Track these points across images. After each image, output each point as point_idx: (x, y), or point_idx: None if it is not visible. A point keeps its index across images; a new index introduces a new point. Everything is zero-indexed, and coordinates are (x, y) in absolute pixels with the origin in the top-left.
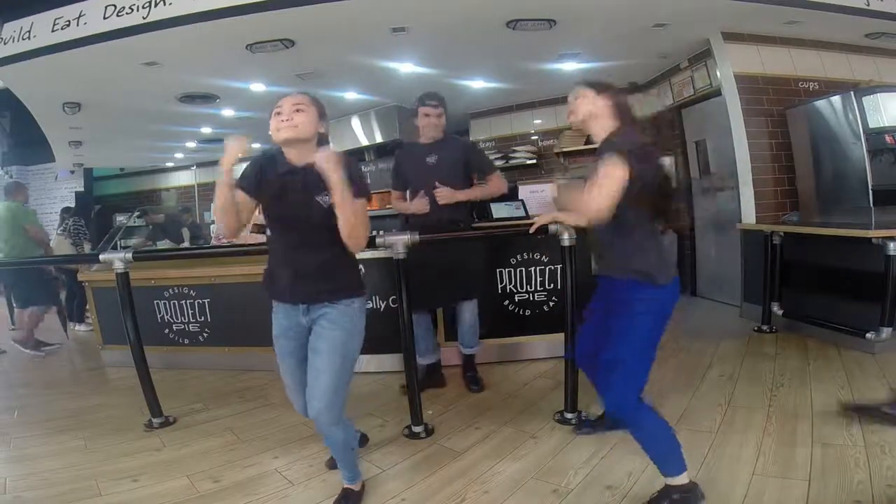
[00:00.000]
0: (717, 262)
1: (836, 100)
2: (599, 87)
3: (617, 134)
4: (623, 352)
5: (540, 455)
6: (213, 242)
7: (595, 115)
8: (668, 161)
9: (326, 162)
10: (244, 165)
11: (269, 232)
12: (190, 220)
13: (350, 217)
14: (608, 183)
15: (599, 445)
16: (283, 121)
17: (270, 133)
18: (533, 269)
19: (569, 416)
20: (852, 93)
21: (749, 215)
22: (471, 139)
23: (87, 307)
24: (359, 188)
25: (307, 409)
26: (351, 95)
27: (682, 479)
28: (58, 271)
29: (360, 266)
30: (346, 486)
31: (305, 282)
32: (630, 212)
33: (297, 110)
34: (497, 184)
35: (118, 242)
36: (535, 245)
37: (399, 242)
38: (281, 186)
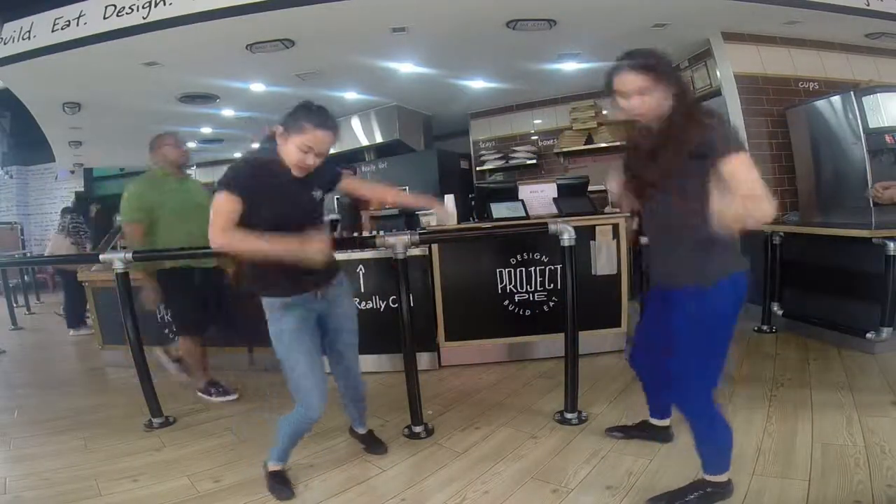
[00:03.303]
0: None
1: (836, 100)
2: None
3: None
4: (689, 360)
5: (540, 455)
6: None
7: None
8: None
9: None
10: (227, 169)
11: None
12: None
13: None
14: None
15: (599, 445)
16: (307, 166)
17: (284, 156)
18: (533, 269)
19: (569, 416)
20: (852, 93)
21: None
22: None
23: (87, 308)
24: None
25: (354, 387)
26: (351, 95)
27: (722, 478)
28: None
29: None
30: (365, 431)
31: (320, 271)
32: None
33: (320, 157)
34: None
35: (118, 242)
36: (535, 245)
37: (399, 242)
38: (285, 192)
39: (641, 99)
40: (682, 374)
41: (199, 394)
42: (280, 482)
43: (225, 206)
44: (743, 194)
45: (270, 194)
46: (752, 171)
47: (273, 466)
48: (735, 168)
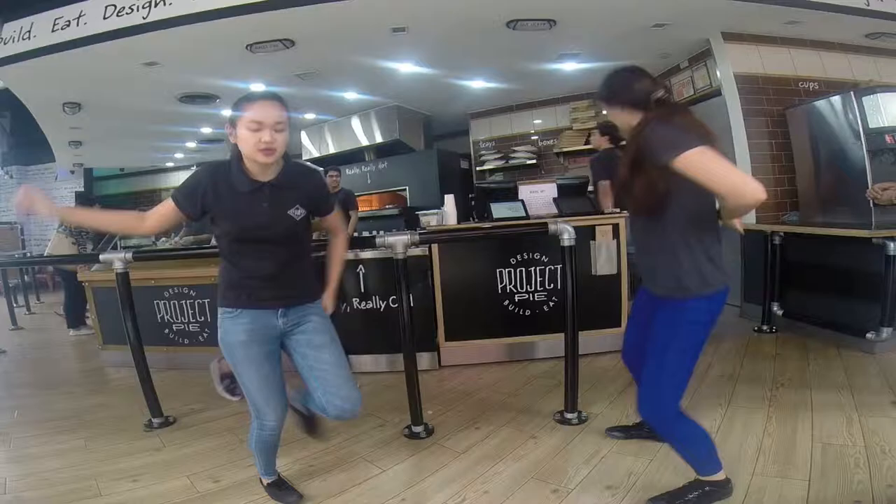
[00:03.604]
0: None
1: (836, 100)
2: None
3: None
4: (657, 371)
5: (540, 455)
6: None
7: None
8: None
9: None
10: (183, 179)
11: (222, 245)
12: None
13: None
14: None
15: (599, 445)
16: (265, 145)
17: (242, 148)
18: (533, 269)
19: (569, 416)
20: (852, 93)
21: (749, 215)
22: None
23: (87, 308)
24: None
25: (340, 406)
26: (351, 95)
27: (718, 476)
28: (56, 272)
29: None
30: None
31: (285, 288)
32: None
33: (279, 130)
34: None
35: (118, 242)
36: (535, 245)
37: (399, 242)
38: (248, 204)
39: (612, 116)
40: (649, 383)
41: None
42: (281, 490)
43: (161, 207)
44: (716, 190)
45: (227, 204)
46: (709, 163)
47: (266, 480)
48: (688, 167)
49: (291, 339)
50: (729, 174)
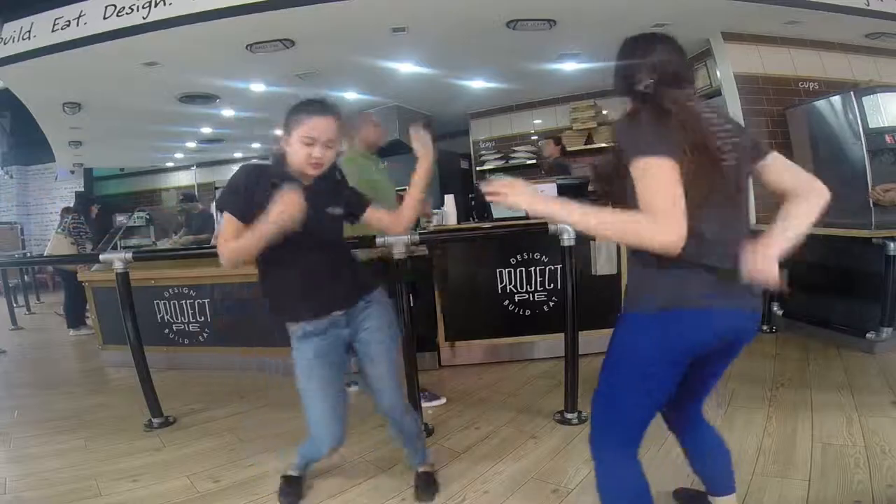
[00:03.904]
0: None
1: (836, 100)
2: None
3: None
4: (598, 390)
5: (540, 455)
6: None
7: None
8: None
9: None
10: (225, 189)
11: (271, 253)
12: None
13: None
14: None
15: None
16: (315, 159)
17: (293, 160)
18: (533, 269)
19: (569, 416)
20: (852, 93)
21: (749, 215)
22: None
23: (87, 308)
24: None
25: (385, 407)
26: (351, 95)
27: None
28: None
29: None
30: (421, 469)
31: (339, 288)
32: None
33: (329, 147)
34: None
35: (118, 242)
36: (535, 245)
37: (399, 242)
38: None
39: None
40: (594, 401)
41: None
42: (290, 489)
43: (227, 225)
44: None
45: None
46: (651, 180)
47: (290, 471)
48: (635, 175)
49: (357, 344)
50: (654, 199)
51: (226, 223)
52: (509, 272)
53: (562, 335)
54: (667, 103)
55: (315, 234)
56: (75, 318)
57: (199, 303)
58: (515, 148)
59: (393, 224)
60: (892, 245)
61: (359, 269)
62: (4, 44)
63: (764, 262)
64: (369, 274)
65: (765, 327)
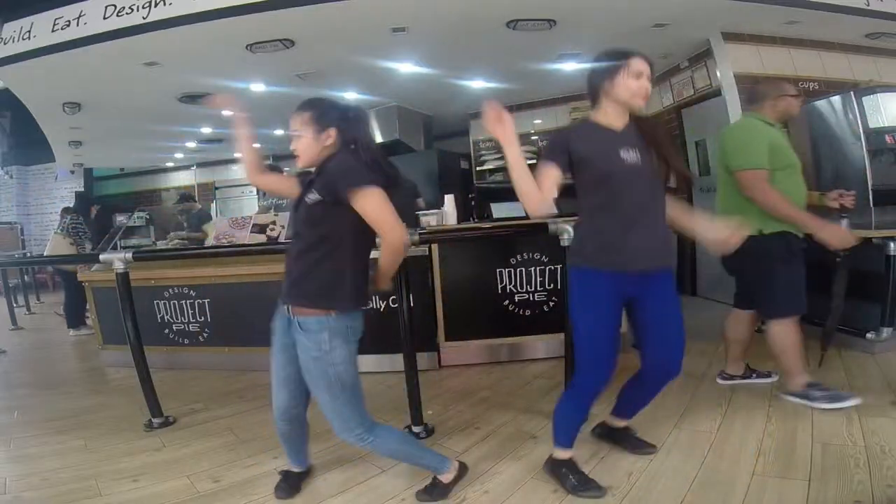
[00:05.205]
0: (717, 262)
1: (836, 100)
2: None
3: None
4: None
5: (540, 455)
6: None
7: None
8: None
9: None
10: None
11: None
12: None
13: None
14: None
15: (599, 446)
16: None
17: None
18: (533, 269)
19: None
20: (852, 93)
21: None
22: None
23: (87, 308)
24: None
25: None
26: (351, 95)
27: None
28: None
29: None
30: (438, 477)
31: (287, 278)
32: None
33: (293, 136)
34: None
35: (118, 242)
36: (534, 245)
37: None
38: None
39: None
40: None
41: (792, 398)
42: (283, 482)
43: (382, 197)
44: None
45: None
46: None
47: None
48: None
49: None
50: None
51: (380, 194)
52: (509, 272)
53: (562, 335)
54: None
55: (298, 219)
56: (75, 318)
57: (198, 303)
58: None
59: None
60: (892, 245)
61: (318, 275)
62: (4, 44)
63: None
64: (330, 288)
65: (764, 327)
